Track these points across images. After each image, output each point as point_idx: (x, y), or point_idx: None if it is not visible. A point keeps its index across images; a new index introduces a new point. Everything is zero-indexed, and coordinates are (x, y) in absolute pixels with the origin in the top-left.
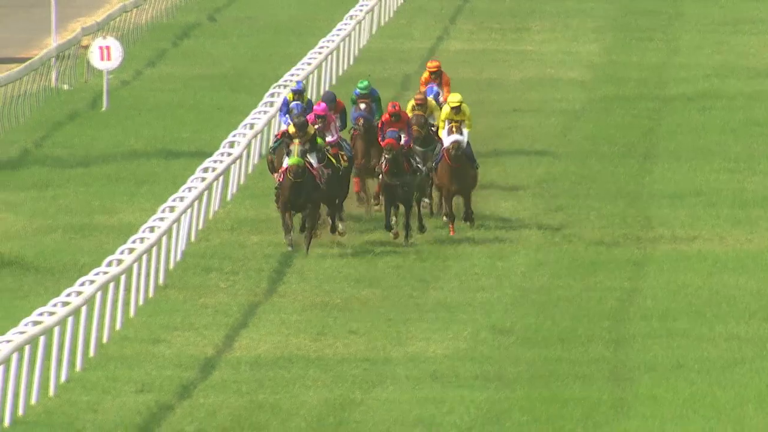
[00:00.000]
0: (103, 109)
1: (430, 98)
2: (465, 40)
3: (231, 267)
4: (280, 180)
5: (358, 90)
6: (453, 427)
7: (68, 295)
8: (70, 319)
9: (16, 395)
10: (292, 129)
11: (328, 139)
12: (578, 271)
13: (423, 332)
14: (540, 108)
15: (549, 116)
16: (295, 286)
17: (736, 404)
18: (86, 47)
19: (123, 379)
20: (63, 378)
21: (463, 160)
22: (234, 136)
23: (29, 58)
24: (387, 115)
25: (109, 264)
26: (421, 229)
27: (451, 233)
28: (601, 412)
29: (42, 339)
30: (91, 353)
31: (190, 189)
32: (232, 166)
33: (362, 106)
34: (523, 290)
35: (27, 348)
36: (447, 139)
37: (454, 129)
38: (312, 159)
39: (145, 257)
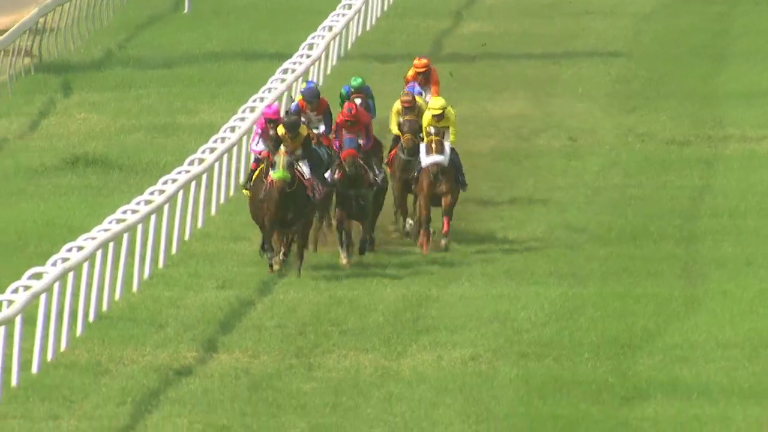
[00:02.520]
0: (185, 11)
1: (420, 98)
2: None
3: None
4: (267, 189)
5: (349, 87)
6: (527, 323)
7: (151, 193)
8: (152, 217)
9: (100, 291)
10: (281, 130)
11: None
12: (650, 170)
13: (499, 230)
14: (611, 11)
15: (620, 18)
16: None
17: None
18: None
19: (204, 275)
20: (146, 274)
21: (449, 177)
22: (313, 38)
23: None
24: (341, 117)
25: (191, 163)
26: (370, 243)
27: (424, 251)
28: (672, 307)
29: (125, 236)
30: (174, 250)
31: (270, 90)
32: (311, 67)
33: (358, 101)
34: (596, 189)
35: (111, 245)
36: (426, 160)
37: (434, 146)
38: (304, 167)
39: (225, 157)
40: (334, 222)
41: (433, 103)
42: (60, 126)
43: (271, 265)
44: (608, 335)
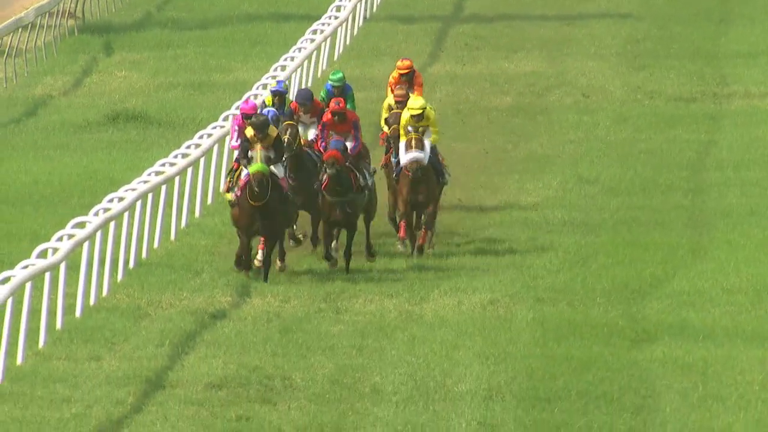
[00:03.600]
0: None
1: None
2: None
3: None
4: (238, 195)
5: (330, 83)
6: (542, 269)
7: (188, 147)
8: (189, 170)
9: (140, 240)
10: (250, 132)
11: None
12: (659, 125)
13: (515, 182)
14: None
15: None
16: None
17: None
18: None
19: None
20: (183, 224)
21: (429, 175)
22: (341, 0)
23: None
24: (329, 114)
25: (226, 118)
26: (371, 255)
27: (401, 236)
28: (680, 255)
29: (164, 188)
30: (209, 201)
31: (300, 50)
32: (338, 28)
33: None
34: (607, 143)
35: (150, 196)
36: (405, 156)
37: (413, 143)
38: (277, 170)
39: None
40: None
41: (412, 102)
42: (102, 84)
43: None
44: (619, 281)
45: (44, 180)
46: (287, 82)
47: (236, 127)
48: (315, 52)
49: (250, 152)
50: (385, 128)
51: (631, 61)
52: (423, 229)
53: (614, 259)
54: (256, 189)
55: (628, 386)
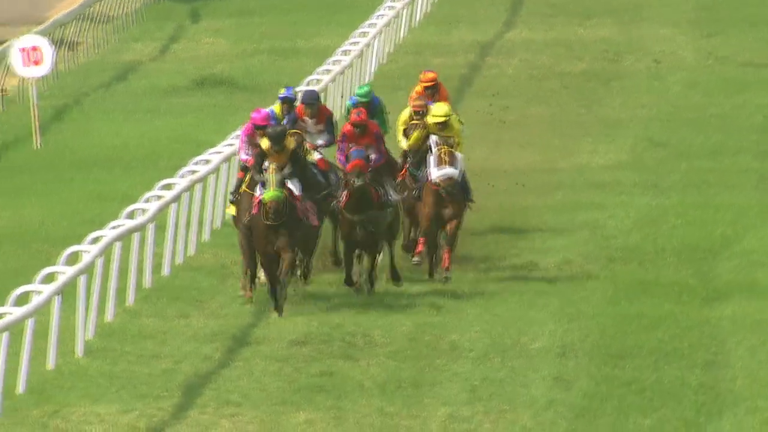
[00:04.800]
0: None
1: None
2: None
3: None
4: (253, 214)
5: (355, 98)
6: (615, 230)
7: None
8: None
9: (225, 201)
10: (265, 143)
11: (319, 143)
12: (729, 90)
13: (589, 145)
14: None
15: None
16: (473, 102)
17: None
18: None
19: None
20: None
21: (456, 197)
22: None
23: None
24: (349, 126)
25: (309, 83)
26: (396, 279)
27: (417, 253)
28: (749, 216)
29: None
30: None
31: (380, 16)
32: None
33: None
34: (678, 107)
35: (235, 159)
36: (436, 172)
37: (444, 158)
38: (293, 186)
39: (340, 77)
40: (334, 257)
41: (436, 109)
42: (188, 50)
43: (251, 286)
44: (689, 241)
45: (134, 143)
46: (296, 90)
47: (245, 138)
48: (395, 19)
49: (264, 165)
50: (403, 142)
51: (702, 27)
52: (446, 250)
53: (684, 220)
54: (272, 216)
55: (699, 343)
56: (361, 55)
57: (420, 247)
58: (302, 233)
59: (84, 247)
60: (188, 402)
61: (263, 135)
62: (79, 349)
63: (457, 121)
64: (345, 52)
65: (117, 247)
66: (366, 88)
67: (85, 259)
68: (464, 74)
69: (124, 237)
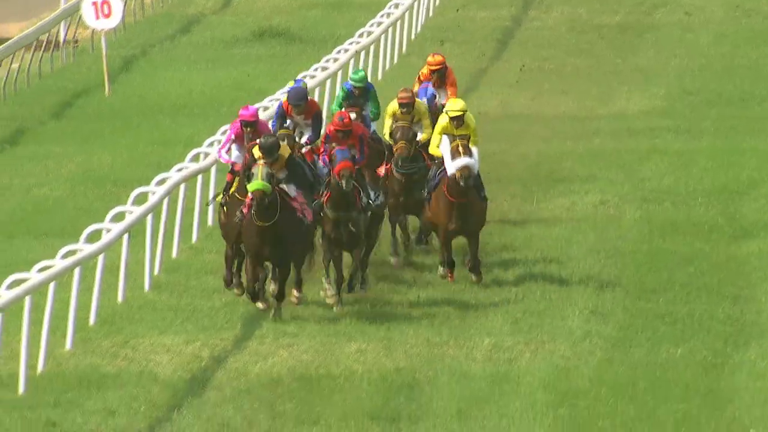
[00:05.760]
0: None
1: (420, 100)
2: None
3: (463, 38)
4: (245, 215)
5: (350, 83)
6: (649, 172)
7: (326, 61)
8: (327, 82)
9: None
10: (257, 152)
11: (303, 140)
12: (755, 41)
13: (624, 93)
14: None
15: None
16: (515, 52)
17: None
18: None
19: None
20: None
21: (471, 192)
22: None
23: None
24: (332, 128)
25: (360, 36)
26: (363, 283)
27: (450, 280)
28: None
29: None
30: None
31: None
32: None
33: (353, 115)
34: (708, 58)
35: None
36: (452, 164)
37: (460, 148)
38: (289, 189)
39: (390, 30)
40: (317, 257)
41: (451, 105)
42: (248, 3)
43: (253, 297)
44: (718, 183)
45: (197, 91)
46: (305, 82)
47: (233, 136)
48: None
49: (249, 171)
50: (388, 135)
51: None
52: (474, 276)
53: (714, 163)
54: (255, 209)
55: (727, 278)
56: (410, 8)
57: (451, 278)
58: (297, 236)
59: (151, 188)
60: (248, 333)
61: (256, 145)
62: (146, 284)
63: (472, 118)
64: (396, 5)
65: (182, 188)
66: (361, 73)
67: (152, 199)
68: (507, 26)
69: (189, 179)
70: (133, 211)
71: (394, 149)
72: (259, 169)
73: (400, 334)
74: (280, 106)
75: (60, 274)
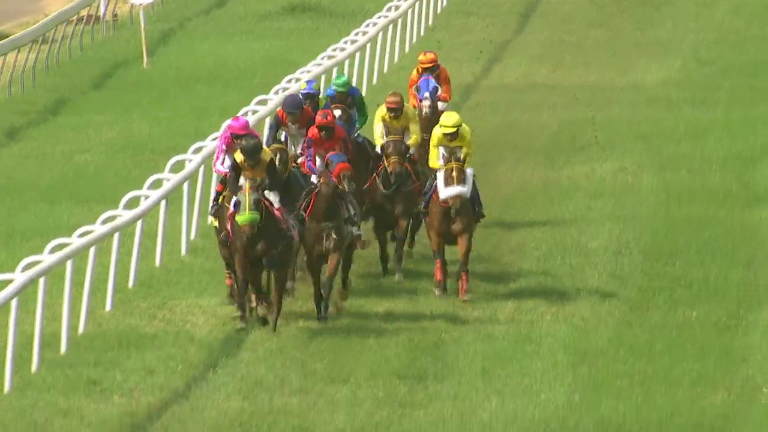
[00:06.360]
0: None
1: (409, 105)
2: None
3: (487, 11)
4: (229, 232)
5: (333, 87)
6: (666, 140)
7: (356, 34)
8: (357, 54)
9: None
10: (239, 157)
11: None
12: None
13: (642, 64)
14: None
15: None
16: (538, 25)
17: None
18: None
19: None
20: None
21: (465, 205)
22: None
23: None
24: (315, 129)
25: (389, 9)
26: (318, 316)
27: (437, 293)
28: None
29: (334, 70)
30: (374, 81)
31: None
32: None
33: (337, 112)
34: (723, 31)
35: (322, 78)
36: (445, 191)
37: (455, 175)
38: (272, 197)
39: (417, 3)
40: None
41: (445, 119)
42: None
43: (242, 317)
44: (733, 151)
45: (231, 62)
46: (317, 84)
47: (224, 147)
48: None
49: (241, 182)
50: (380, 141)
51: None
52: (462, 275)
53: (728, 132)
54: (245, 239)
55: (741, 243)
56: None
57: (439, 276)
58: (283, 245)
59: (187, 156)
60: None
61: (238, 147)
62: (183, 248)
63: (468, 130)
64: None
65: None
66: (344, 78)
67: (189, 167)
68: (530, 1)
69: None
70: (170, 179)
71: (387, 164)
72: (247, 198)
73: (424, 296)
74: (276, 116)
75: (100, 238)
